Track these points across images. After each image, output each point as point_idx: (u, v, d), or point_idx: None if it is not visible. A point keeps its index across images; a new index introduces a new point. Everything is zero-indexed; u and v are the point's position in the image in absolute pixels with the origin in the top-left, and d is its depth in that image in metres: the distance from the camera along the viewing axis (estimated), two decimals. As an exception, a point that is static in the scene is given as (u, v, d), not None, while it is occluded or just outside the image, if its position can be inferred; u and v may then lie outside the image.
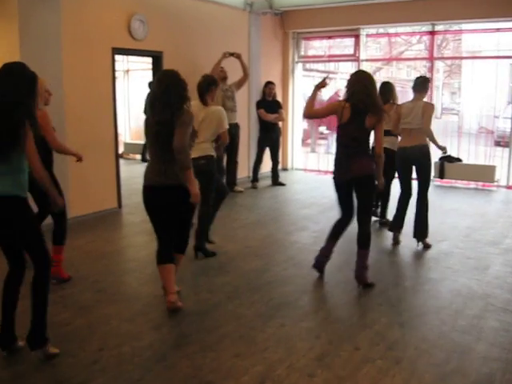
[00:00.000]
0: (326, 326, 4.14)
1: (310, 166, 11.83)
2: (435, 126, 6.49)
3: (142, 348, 3.78)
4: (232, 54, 9.07)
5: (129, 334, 4.01)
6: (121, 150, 11.31)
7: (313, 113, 5.18)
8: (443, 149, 6.67)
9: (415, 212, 6.16)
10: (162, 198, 4.30)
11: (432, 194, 9.39)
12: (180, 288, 4.69)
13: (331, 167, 5.10)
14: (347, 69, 11.46)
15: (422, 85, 6.18)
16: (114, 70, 7.75)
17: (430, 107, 6.11)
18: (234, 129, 9.16)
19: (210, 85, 5.76)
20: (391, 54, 11.68)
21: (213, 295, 4.76)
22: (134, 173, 9.91)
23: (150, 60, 8.80)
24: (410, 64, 12.25)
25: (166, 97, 4.18)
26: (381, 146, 4.85)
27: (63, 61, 6.96)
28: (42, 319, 3.61)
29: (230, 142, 8.99)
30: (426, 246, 6.13)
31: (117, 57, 7.95)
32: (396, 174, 6.49)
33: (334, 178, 4.99)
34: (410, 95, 6.31)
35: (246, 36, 10.30)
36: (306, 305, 4.55)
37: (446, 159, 9.36)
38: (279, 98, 10.64)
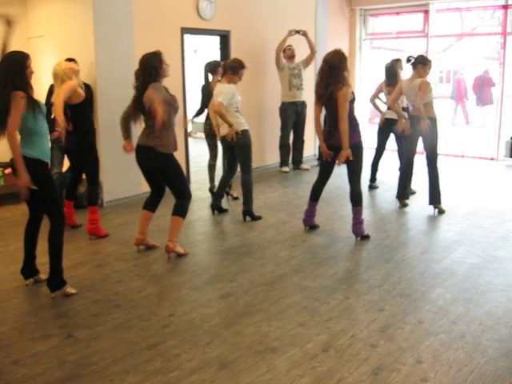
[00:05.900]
0: (389, 299, 4.18)
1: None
2: None
3: (211, 315, 3.95)
4: (298, 32, 9.07)
5: (198, 301, 4.20)
6: (189, 128, 11.55)
7: None
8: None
9: (428, 180, 6.54)
10: (145, 155, 5.01)
11: (503, 173, 9.16)
12: (158, 245, 5.39)
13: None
14: (416, 46, 11.22)
15: (416, 63, 6.50)
16: (183, 50, 7.93)
17: (424, 85, 6.31)
18: (300, 106, 9.20)
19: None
20: (462, 30, 11.34)
21: (278, 267, 4.89)
22: (200, 151, 10.08)
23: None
24: (482, 40, 11.81)
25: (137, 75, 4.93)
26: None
27: (135, 42, 7.19)
28: (58, 266, 4.24)
29: (296, 119, 9.16)
30: (441, 211, 6.53)
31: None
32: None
33: None
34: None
35: (312, 13, 10.24)
36: (370, 279, 4.60)
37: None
38: (346, 76, 10.53)
